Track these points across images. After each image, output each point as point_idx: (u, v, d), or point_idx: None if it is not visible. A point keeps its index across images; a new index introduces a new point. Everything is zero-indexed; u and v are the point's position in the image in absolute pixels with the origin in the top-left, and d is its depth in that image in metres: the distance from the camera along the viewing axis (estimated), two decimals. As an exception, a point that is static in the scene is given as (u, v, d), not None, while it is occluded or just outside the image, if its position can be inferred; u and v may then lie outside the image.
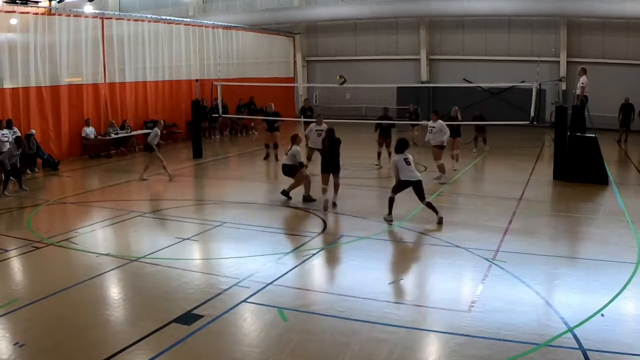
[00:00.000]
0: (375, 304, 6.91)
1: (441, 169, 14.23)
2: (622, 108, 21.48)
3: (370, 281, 7.72)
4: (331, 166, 11.67)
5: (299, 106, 30.59)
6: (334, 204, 11.63)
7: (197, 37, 23.62)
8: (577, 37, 25.40)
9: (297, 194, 12.23)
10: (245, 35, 26.83)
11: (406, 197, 12.32)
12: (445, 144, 14.39)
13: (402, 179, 10.46)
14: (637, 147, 20.14)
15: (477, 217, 11.03)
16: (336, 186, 11.82)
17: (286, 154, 12.20)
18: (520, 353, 5.63)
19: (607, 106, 21.83)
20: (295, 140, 12.17)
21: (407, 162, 10.43)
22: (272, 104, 18.64)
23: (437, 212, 10.44)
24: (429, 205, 10.53)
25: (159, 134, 14.87)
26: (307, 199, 12.11)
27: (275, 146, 17.53)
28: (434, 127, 14.39)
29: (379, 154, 16.79)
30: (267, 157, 17.58)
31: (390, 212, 10.63)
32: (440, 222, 10.34)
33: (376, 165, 16.55)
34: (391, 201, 10.65)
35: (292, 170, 12.06)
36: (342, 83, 16.67)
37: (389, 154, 16.20)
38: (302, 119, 20.69)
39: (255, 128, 24.22)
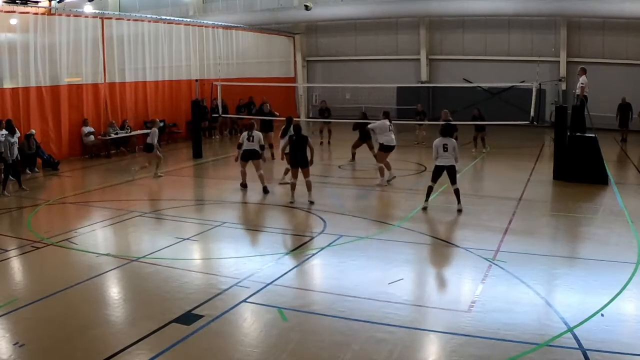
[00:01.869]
0: (375, 304, 6.91)
1: (381, 171, 13.92)
2: (620, 108, 21.51)
3: (370, 281, 7.72)
4: (299, 160, 11.99)
5: (299, 106, 30.67)
6: (311, 202, 11.82)
7: (197, 37, 23.62)
8: (577, 37, 25.40)
9: (298, 195, 12.23)
10: (245, 35, 26.84)
11: (406, 197, 12.34)
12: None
13: (436, 164, 11.24)
14: (637, 147, 20.14)
15: (477, 217, 11.03)
16: (308, 184, 12.03)
17: (250, 141, 13.04)
18: (520, 353, 5.63)
19: (607, 106, 21.83)
20: (253, 126, 13.32)
21: (445, 149, 11.12)
22: (268, 104, 18.58)
23: (459, 202, 11.20)
24: (456, 192, 11.23)
25: (157, 132, 15.20)
26: (244, 185, 13.39)
27: (270, 146, 17.60)
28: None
29: (354, 155, 16.93)
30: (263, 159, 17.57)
31: (427, 199, 11.35)
32: (459, 211, 11.11)
33: (350, 162, 16.81)
34: (429, 189, 11.36)
35: (257, 154, 13.10)
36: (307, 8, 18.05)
37: (375, 155, 16.08)
38: (321, 120, 20.88)
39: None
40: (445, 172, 11.15)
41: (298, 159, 12.06)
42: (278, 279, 7.72)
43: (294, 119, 14.70)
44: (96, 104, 18.87)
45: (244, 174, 13.37)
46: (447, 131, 11.36)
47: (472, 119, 18.73)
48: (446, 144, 11.10)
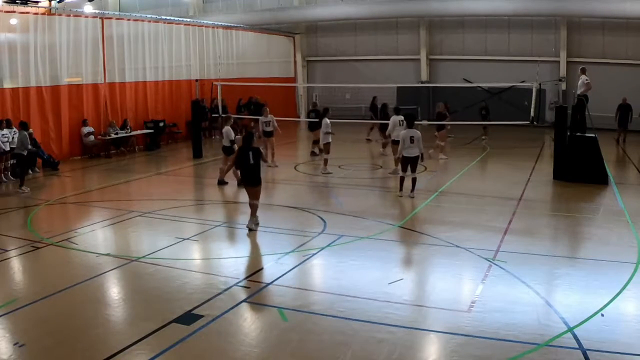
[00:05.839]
0: (375, 304, 6.90)
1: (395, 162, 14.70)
2: (620, 108, 21.50)
3: (370, 281, 7.72)
4: (250, 177, 10.02)
5: (299, 106, 30.69)
6: (250, 229, 9.99)
7: (197, 37, 23.62)
8: (577, 37, 25.40)
9: (297, 195, 12.23)
10: (245, 35, 26.84)
11: (406, 197, 12.33)
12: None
13: (403, 154, 12.07)
14: (636, 147, 20.13)
15: (477, 217, 11.03)
16: (253, 207, 10.09)
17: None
18: (520, 353, 5.63)
19: (607, 106, 21.79)
20: (226, 121, 14.51)
21: (412, 140, 11.94)
22: (267, 108, 17.11)
23: (413, 189, 12.19)
24: (413, 181, 12.22)
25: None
26: (222, 182, 13.91)
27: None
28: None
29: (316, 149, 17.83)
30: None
31: (401, 189, 12.29)
32: (411, 197, 12.13)
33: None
34: (402, 180, 12.30)
35: (229, 150, 13.76)
36: None
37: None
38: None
39: (255, 128, 24.20)
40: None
41: (249, 175, 10.01)
42: (278, 279, 7.72)
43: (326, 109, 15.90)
44: (96, 104, 18.87)
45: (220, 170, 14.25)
46: (411, 122, 12.15)
47: (437, 116, 18.04)
48: (412, 136, 11.94)
